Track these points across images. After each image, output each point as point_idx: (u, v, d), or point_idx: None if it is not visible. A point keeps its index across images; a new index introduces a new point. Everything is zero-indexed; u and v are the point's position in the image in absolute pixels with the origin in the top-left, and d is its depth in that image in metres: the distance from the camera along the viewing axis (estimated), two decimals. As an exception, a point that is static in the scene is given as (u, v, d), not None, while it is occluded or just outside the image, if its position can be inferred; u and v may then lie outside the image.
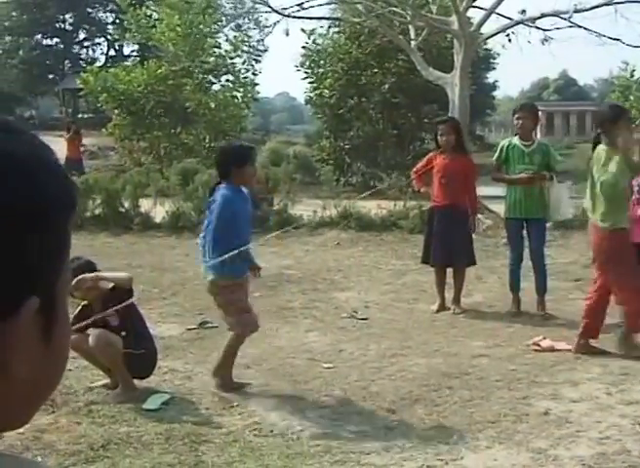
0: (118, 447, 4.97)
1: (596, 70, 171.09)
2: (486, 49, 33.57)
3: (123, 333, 5.88)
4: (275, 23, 17.15)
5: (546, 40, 16.37)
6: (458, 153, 8.47)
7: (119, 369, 5.69)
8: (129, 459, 4.77)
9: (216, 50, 23.00)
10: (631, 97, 23.12)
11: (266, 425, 5.32)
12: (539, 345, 7.07)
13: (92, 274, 5.75)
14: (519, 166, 8.22)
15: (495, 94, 53.49)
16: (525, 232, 8.34)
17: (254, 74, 25.25)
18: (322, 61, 21.00)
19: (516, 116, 8.36)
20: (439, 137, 8.50)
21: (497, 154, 8.49)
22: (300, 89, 24.86)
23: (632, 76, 23.89)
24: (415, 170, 8.93)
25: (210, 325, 7.95)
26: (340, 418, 5.48)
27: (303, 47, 20.96)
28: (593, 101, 61.86)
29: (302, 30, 20.78)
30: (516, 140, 8.31)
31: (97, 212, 14.71)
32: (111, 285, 5.99)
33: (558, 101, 70.66)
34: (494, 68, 45.55)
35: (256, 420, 5.40)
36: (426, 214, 9.34)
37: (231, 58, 23.22)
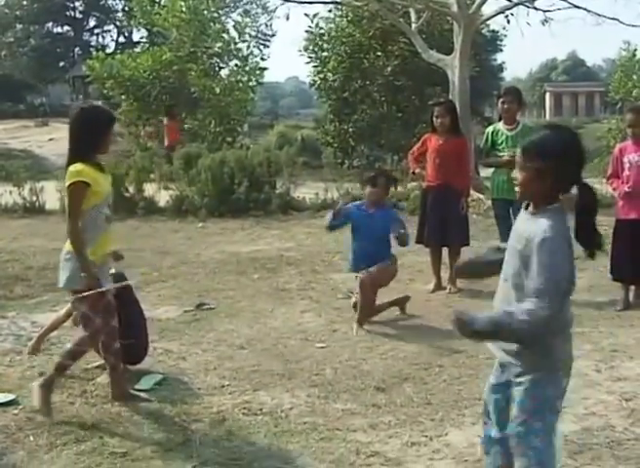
0: (109, 426, 5.00)
1: (605, 50, 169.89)
2: (493, 31, 33.38)
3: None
4: (276, 8, 17.11)
5: (546, 21, 16.27)
6: (452, 135, 8.46)
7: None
8: (118, 438, 4.80)
9: (223, 35, 22.89)
10: (634, 77, 22.92)
11: (256, 404, 5.34)
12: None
13: None
14: (504, 150, 8.22)
15: (503, 75, 53.27)
16: (511, 213, 8.33)
17: (262, 59, 25.20)
18: (325, 45, 20.92)
19: (501, 100, 8.35)
20: (434, 119, 8.49)
21: (483, 141, 8.54)
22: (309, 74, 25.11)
23: (634, 56, 23.68)
24: (411, 151, 8.92)
25: (207, 307, 7.98)
26: (328, 396, 5.49)
27: (307, 31, 20.87)
28: (601, 82, 61.51)
29: (306, 15, 20.73)
30: (500, 126, 8.35)
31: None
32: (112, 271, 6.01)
33: (567, 82, 70.34)
34: (501, 50, 45.34)
35: (245, 399, 5.42)
36: (420, 194, 9.35)
37: (236, 44, 23.12)
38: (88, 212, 4.99)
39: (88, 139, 4.94)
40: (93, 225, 5.01)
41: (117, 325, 5.30)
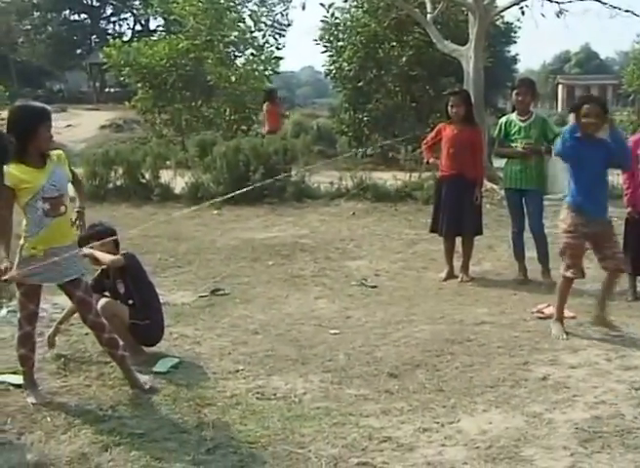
0: (126, 408, 5.04)
1: (618, 43, 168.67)
2: (507, 22, 33.20)
3: (130, 302, 5.93)
4: (293, -3, 17.03)
5: (561, 12, 16.17)
6: (467, 124, 8.44)
7: (124, 337, 5.72)
8: (136, 419, 4.85)
9: (239, 24, 22.85)
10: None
11: (269, 389, 5.36)
12: (542, 312, 7.06)
13: (88, 251, 5.74)
14: (518, 140, 8.21)
15: (516, 67, 52.94)
16: (523, 203, 8.33)
17: (277, 48, 25.15)
18: (341, 35, 20.85)
19: (515, 91, 8.31)
20: (449, 109, 8.46)
21: (496, 131, 8.52)
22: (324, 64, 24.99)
23: (647, 48, 23.54)
24: (425, 141, 8.91)
25: (222, 292, 8.00)
26: (342, 382, 5.51)
27: (322, 21, 20.81)
28: (614, 75, 61.09)
29: (321, 4, 20.64)
30: (514, 116, 8.33)
31: (118, 183, 14.80)
32: (123, 252, 6.06)
33: (580, 75, 69.97)
34: (515, 42, 45.00)
35: (259, 384, 5.44)
36: (435, 184, 9.33)
37: (252, 33, 23.09)
38: (24, 209, 5.06)
39: (19, 138, 4.90)
40: (31, 221, 5.06)
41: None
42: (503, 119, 8.54)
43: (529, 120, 8.22)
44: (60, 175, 5.17)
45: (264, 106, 18.66)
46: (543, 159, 8.17)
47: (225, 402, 5.11)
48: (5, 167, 4.84)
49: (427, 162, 8.94)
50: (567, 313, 6.94)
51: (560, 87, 65.82)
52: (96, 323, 5.30)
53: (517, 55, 48.77)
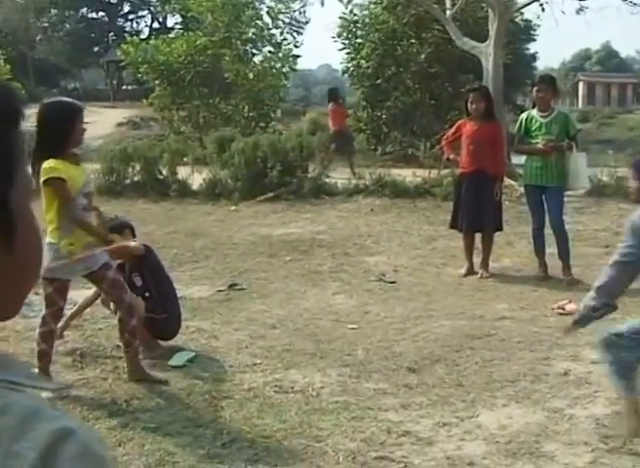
0: (141, 401, 5.03)
1: (639, 42, 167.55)
2: (526, 20, 33.02)
3: (147, 294, 5.92)
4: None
5: (581, 9, 16.05)
6: (487, 120, 8.36)
7: (140, 331, 5.71)
8: (149, 413, 4.83)
9: (256, 21, 22.86)
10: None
11: (287, 382, 5.33)
12: (563, 308, 6.99)
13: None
14: (538, 136, 8.13)
15: (535, 65, 52.65)
16: (544, 199, 8.25)
17: (295, 46, 25.14)
18: (359, 32, 20.81)
19: (536, 88, 8.24)
20: (469, 105, 8.40)
21: (517, 127, 8.45)
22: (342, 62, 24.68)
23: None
24: (445, 137, 8.86)
25: (239, 287, 7.98)
26: (360, 376, 5.47)
27: (340, 17, 20.77)
28: (635, 73, 60.77)
29: (340, 0, 20.61)
30: (534, 112, 8.25)
31: (135, 178, 14.80)
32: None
33: (600, 73, 69.61)
34: (534, 39, 44.76)
35: (277, 377, 5.42)
36: (455, 180, 9.27)
37: (269, 30, 23.10)
38: (63, 206, 5.04)
39: (56, 134, 4.87)
40: (67, 218, 5.04)
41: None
42: (524, 115, 8.47)
43: (550, 116, 8.14)
44: (87, 170, 5.23)
45: (329, 106, 18.32)
46: (564, 155, 8.09)
47: (242, 395, 5.09)
48: (46, 162, 4.86)
49: (448, 158, 8.88)
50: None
51: (581, 84, 65.53)
52: (131, 304, 5.31)
53: (536, 53, 48.42)
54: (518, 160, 12.38)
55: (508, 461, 4.11)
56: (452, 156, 8.69)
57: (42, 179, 4.89)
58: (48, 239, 5.05)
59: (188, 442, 4.40)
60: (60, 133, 4.87)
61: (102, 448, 0.90)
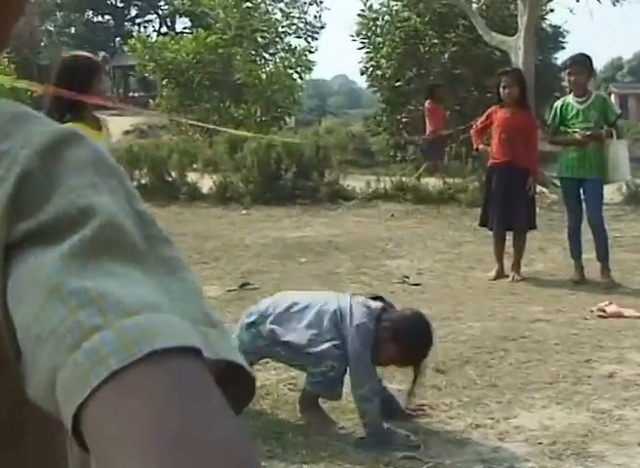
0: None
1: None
2: (555, 26, 32.87)
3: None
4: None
5: (617, 0, 15.86)
6: (520, 107, 8.14)
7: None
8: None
9: (270, 17, 22.79)
10: None
11: (302, 380, 5.10)
12: (604, 311, 6.75)
13: None
14: (575, 125, 7.86)
15: (563, 75, 52.47)
16: (581, 194, 7.99)
17: (310, 51, 25.04)
18: (379, 30, 20.68)
19: (567, 71, 8.01)
20: (501, 90, 8.16)
21: (551, 116, 8.19)
22: (358, 71, 24.29)
23: None
24: (474, 125, 8.65)
25: (251, 286, 7.79)
26: (382, 376, 5.24)
27: (359, 14, 20.65)
28: (669, 84, 60.38)
29: (358, -4, 20.52)
30: (570, 98, 7.99)
31: (143, 181, 14.65)
32: None
33: (633, 83, 69.33)
34: (563, 48, 44.59)
35: (291, 375, 5.20)
36: (485, 172, 9.05)
37: (283, 28, 23.02)
38: None
39: (76, 89, 4.48)
40: None
41: None
42: (559, 102, 8.22)
43: (588, 101, 7.87)
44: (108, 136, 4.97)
45: (426, 104, 16.45)
46: (604, 144, 7.81)
47: (255, 392, 4.86)
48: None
49: (477, 149, 8.65)
50: (632, 312, 6.68)
51: (612, 96, 65.22)
52: None
53: (566, 61, 48.31)
54: (551, 170, 12.21)
55: (554, 463, 3.88)
56: (481, 146, 8.47)
57: None
58: None
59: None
60: (78, 89, 4.49)
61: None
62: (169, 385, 0.56)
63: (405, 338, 4.19)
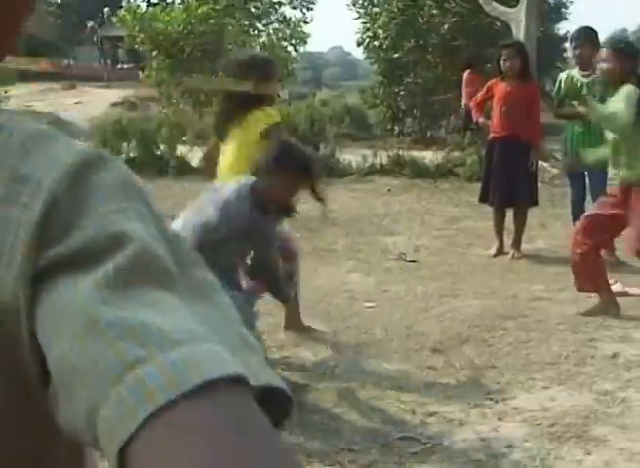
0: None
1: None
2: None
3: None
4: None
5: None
6: (522, 80, 8.06)
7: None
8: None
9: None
10: None
11: (296, 360, 5.09)
12: (608, 289, 6.71)
13: None
14: (580, 98, 7.81)
15: (566, 46, 52.27)
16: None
17: (305, 22, 24.83)
18: (376, 0, 20.51)
19: (573, 45, 7.94)
20: (502, 63, 8.10)
21: (555, 88, 8.12)
22: (355, 43, 23.76)
23: None
24: (474, 99, 8.57)
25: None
26: (378, 356, 5.22)
27: (356, -18, 20.48)
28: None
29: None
30: (574, 72, 7.93)
31: (131, 155, 14.55)
32: None
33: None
34: (565, 18, 44.35)
35: (285, 355, 5.18)
36: (485, 146, 8.98)
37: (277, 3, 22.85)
38: None
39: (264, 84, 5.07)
40: None
41: None
42: (563, 75, 8.16)
43: (593, 75, 7.83)
44: None
45: (465, 76, 15.31)
46: None
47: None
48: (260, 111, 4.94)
49: (476, 122, 8.58)
50: (638, 291, 6.65)
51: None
52: None
53: (568, 32, 48.16)
54: (552, 144, 12.12)
55: (554, 445, 3.84)
56: (481, 120, 8.40)
57: (266, 124, 4.91)
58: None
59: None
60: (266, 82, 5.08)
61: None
62: (218, 419, 0.55)
63: (278, 162, 4.16)
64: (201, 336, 0.59)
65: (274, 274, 4.37)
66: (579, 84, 7.85)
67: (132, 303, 0.59)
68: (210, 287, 0.67)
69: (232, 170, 4.88)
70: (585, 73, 7.84)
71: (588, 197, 7.97)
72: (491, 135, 8.27)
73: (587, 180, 7.97)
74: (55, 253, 0.62)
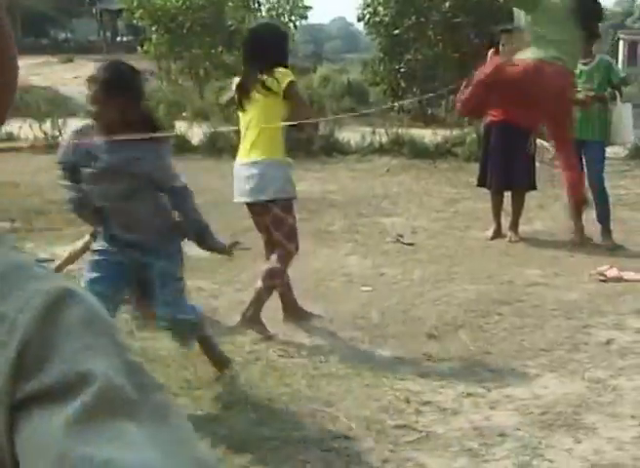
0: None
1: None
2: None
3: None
4: None
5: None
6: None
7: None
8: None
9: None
10: None
11: (292, 345, 5.18)
12: (604, 275, 6.79)
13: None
14: (578, 85, 7.86)
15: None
16: (582, 155, 8.00)
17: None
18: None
19: None
20: (501, 47, 8.16)
21: None
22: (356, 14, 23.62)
23: None
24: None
25: (241, 246, 7.79)
26: (374, 342, 5.31)
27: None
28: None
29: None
30: None
31: (129, 132, 14.58)
32: None
33: (641, 31, 68.79)
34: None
35: (281, 340, 5.27)
36: (482, 129, 9.04)
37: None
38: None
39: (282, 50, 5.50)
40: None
41: None
42: None
43: (591, 63, 7.90)
44: None
45: (489, 54, 15.65)
46: (607, 106, 7.87)
47: (244, 358, 4.93)
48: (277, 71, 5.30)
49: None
50: (632, 276, 6.73)
51: (621, 43, 64.73)
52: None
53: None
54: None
55: (544, 433, 3.95)
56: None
57: (288, 80, 5.30)
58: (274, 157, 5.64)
59: (185, 403, 4.24)
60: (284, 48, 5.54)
61: (108, 314, 0.78)
62: None
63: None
64: None
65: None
66: (577, 71, 7.89)
67: (97, 438, 0.67)
68: (167, 409, 0.74)
69: (260, 124, 5.44)
70: (584, 61, 7.87)
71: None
72: (488, 118, 8.34)
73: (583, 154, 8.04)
74: (30, 387, 0.70)
